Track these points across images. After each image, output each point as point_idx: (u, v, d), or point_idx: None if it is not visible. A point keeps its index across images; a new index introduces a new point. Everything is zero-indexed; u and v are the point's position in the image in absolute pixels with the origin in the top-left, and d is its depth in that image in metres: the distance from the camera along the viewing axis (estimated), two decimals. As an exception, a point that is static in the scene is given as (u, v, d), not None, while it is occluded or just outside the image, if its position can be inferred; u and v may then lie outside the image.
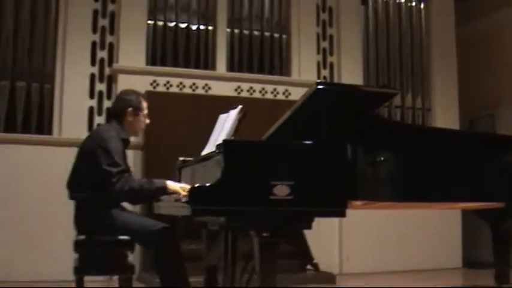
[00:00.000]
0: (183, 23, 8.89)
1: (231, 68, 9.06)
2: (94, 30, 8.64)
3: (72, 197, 5.00)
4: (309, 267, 8.16)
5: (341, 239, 9.13)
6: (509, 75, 10.02)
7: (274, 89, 9.06)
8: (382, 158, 4.49)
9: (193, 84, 8.73)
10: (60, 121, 8.29)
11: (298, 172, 4.05)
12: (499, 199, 4.97)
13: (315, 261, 8.12)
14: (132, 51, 8.58)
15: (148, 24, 8.78)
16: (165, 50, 8.82)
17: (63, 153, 7.61)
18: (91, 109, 8.47)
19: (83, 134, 7.93)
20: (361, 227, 8.85)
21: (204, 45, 8.96)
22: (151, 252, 5.10)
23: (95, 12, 8.66)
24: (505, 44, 10.13)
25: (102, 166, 4.69)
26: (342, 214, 4.20)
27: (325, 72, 9.58)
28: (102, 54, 8.65)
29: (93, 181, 4.80)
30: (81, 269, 4.70)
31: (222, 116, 5.22)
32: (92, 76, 8.55)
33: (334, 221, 8.87)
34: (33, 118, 8.21)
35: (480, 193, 5.03)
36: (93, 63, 8.58)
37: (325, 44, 9.68)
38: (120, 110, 5.11)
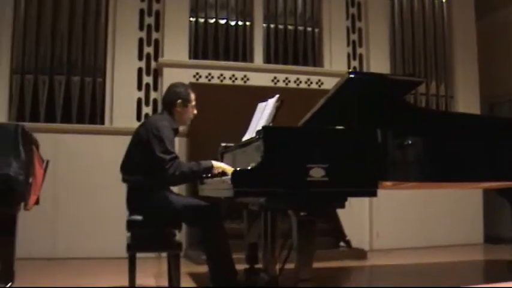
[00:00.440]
0: (222, 19, 8.88)
1: (267, 60, 9.04)
2: (141, 28, 8.66)
3: (124, 179, 5.05)
4: (342, 244, 8.15)
5: (371, 217, 9.09)
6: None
7: (308, 79, 9.03)
8: (409, 142, 4.48)
9: (233, 75, 8.73)
10: (111, 112, 8.34)
11: (333, 155, 4.05)
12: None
13: (347, 238, 8.10)
14: (176, 46, 8.60)
15: (191, 21, 8.77)
16: (206, 44, 8.82)
17: (114, 141, 7.69)
18: (139, 100, 8.51)
19: (132, 123, 8.05)
20: (390, 206, 8.81)
21: (242, 40, 8.95)
22: (197, 231, 5.13)
23: (141, 11, 8.69)
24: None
25: (156, 153, 4.74)
26: (373, 194, 4.20)
27: (354, 63, 9.52)
28: (148, 49, 8.67)
29: (145, 166, 4.85)
30: (133, 247, 4.74)
31: (261, 104, 5.22)
32: (140, 70, 8.58)
33: (365, 200, 8.84)
34: (87, 109, 8.28)
35: (500, 173, 5.01)
36: (140, 58, 8.61)
37: (354, 37, 9.61)
38: (170, 101, 5.15)
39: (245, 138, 5.13)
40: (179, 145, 7.78)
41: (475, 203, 9.54)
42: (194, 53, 8.77)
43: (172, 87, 5.29)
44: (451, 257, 7.89)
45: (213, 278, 4.79)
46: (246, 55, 8.97)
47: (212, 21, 8.84)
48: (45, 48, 8.21)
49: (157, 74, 8.59)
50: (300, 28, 9.19)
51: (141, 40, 8.65)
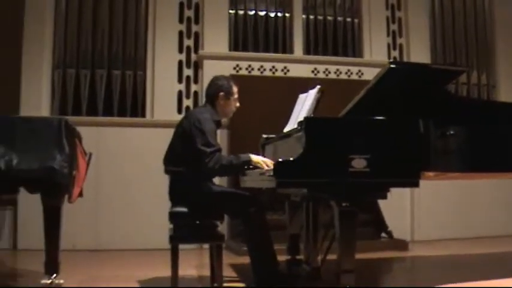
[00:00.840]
0: (261, 11, 8.87)
1: (307, 51, 9.00)
2: (181, 21, 8.69)
3: (167, 171, 5.09)
4: (383, 234, 8.10)
5: (412, 208, 9.02)
6: None
7: (348, 70, 8.97)
8: (451, 132, 4.43)
9: (273, 67, 8.71)
10: (152, 104, 8.39)
11: (375, 146, 4.04)
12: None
13: (389, 229, 8.05)
14: (215, 38, 8.60)
15: (230, 13, 8.77)
16: (246, 36, 8.82)
17: (155, 134, 7.76)
18: (180, 93, 8.55)
19: (172, 115, 8.10)
20: (431, 197, 8.72)
21: (282, 31, 8.93)
22: (239, 222, 5.15)
23: (181, 4, 8.71)
24: None
25: (197, 145, 4.78)
26: (415, 184, 4.19)
27: (394, 53, 9.43)
28: (188, 42, 8.70)
29: (187, 158, 4.89)
30: (176, 238, 4.76)
31: (302, 96, 5.22)
32: (180, 62, 8.61)
33: (406, 191, 8.79)
34: (128, 102, 8.34)
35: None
36: (180, 50, 8.64)
37: (394, 27, 9.52)
38: (213, 94, 5.18)
39: (286, 129, 5.13)
40: (220, 137, 7.79)
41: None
42: (234, 45, 8.77)
43: (215, 80, 5.30)
44: (494, 248, 7.80)
45: (255, 269, 4.81)
46: (285, 46, 8.94)
47: (252, 13, 8.83)
48: (86, 43, 8.29)
49: (197, 67, 8.62)
50: (340, 19, 9.14)
51: (181, 33, 8.67)
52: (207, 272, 5.45)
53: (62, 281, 4.41)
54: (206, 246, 6.37)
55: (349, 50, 9.15)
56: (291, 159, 3.93)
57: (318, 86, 4.92)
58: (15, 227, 7.74)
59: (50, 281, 4.34)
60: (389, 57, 9.25)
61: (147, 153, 7.72)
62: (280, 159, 4.00)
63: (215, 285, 4.90)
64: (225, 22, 8.70)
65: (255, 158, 4.83)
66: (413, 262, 7.31)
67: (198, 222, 4.83)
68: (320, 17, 9.08)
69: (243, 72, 8.56)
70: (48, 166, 4.15)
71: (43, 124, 4.35)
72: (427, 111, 4.38)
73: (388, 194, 4.16)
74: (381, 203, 7.62)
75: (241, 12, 8.80)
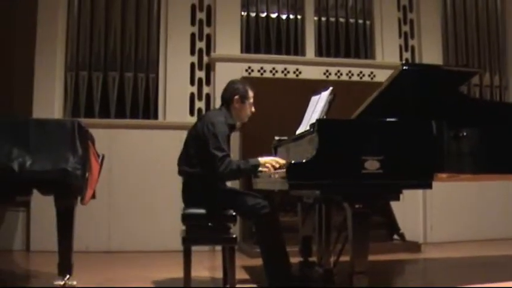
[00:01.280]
0: (273, 13, 8.86)
1: (319, 53, 8.98)
2: (192, 23, 8.69)
3: (180, 172, 5.10)
4: (395, 236, 8.08)
5: (425, 210, 8.98)
6: None
7: (360, 72, 8.94)
8: (464, 133, 4.41)
9: (285, 69, 8.71)
10: (165, 106, 8.39)
11: (388, 147, 4.04)
12: None
13: (401, 231, 8.02)
14: (227, 40, 8.61)
15: (242, 15, 8.77)
16: (258, 38, 8.81)
17: (167, 136, 7.79)
18: (192, 95, 8.54)
19: (185, 118, 8.12)
20: (443, 199, 8.70)
21: (294, 33, 8.91)
22: (251, 224, 5.15)
23: (193, 6, 8.71)
24: None
25: (209, 148, 4.80)
26: (428, 186, 4.18)
27: (406, 55, 9.40)
28: (200, 44, 8.70)
29: (200, 159, 4.90)
30: (188, 240, 4.76)
31: (314, 98, 5.21)
32: (192, 65, 8.61)
33: (418, 193, 8.77)
34: (140, 105, 8.35)
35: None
36: (192, 53, 8.64)
37: (406, 28, 9.49)
38: (228, 97, 5.20)
39: (299, 131, 5.13)
40: (233, 139, 7.75)
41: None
42: (246, 47, 8.76)
43: (231, 83, 5.32)
44: (507, 251, 7.75)
45: (268, 271, 4.81)
46: (297, 48, 8.93)
47: (263, 15, 8.82)
48: (99, 45, 8.31)
49: (209, 69, 8.62)
50: (351, 20, 9.11)
51: (193, 35, 8.68)
52: (219, 274, 5.45)
53: (74, 283, 4.42)
54: (219, 248, 6.37)
55: (361, 52, 9.13)
56: (304, 161, 3.93)
57: (330, 88, 4.91)
58: (28, 228, 7.76)
59: (63, 282, 4.36)
60: (401, 59, 9.22)
61: (159, 155, 7.74)
62: (292, 161, 4.00)
63: (228, 287, 4.90)
64: (237, 24, 8.70)
65: (263, 160, 4.84)
66: (426, 264, 7.28)
67: (210, 224, 4.83)
68: (332, 19, 9.05)
69: (255, 74, 8.55)
70: (61, 168, 4.16)
71: (56, 126, 4.37)
72: (440, 113, 4.37)
73: (401, 196, 4.15)
74: (393, 204, 7.62)
75: (253, 14, 8.80)
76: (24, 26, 8.22)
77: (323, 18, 9.01)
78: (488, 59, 9.75)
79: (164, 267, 6.52)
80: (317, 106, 4.97)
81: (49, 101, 8.03)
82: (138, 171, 8.01)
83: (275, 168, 4.71)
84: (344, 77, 8.88)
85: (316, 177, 3.91)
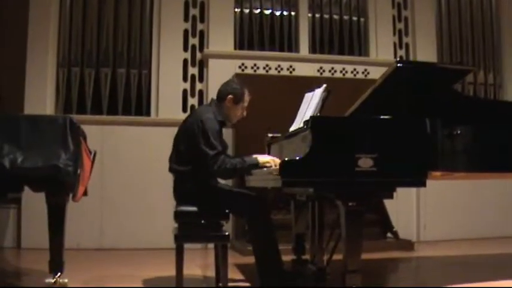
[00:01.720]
0: (267, 9, 8.85)
1: (313, 50, 8.99)
2: (186, 19, 8.68)
3: (171, 169, 5.08)
4: (389, 235, 8.09)
5: (418, 208, 8.99)
6: None
7: (354, 69, 8.95)
8: (458, 131, 4.42)
9: (279, 66, 8.70)
10: (157, 103, 8.39)
11: (381, 145, 4.04)
12: None
13: (394, 229, 8.03)
14: (221, 37, 8.60)
15: (235, 12, 8.76)
16: (251, 35, 8.80)
17: (160, 132, 7.77)
18: (185, 91, 8.54)
19: (177, 114, 8.11)
20: (437, 197, 8.70)
21: (288, 30, 8.91)
22: (244, 222, 5.15)
23: (186, 2, 8.70)
24: None
25: (200, 145, 4.77)
26: (422, 184, 4.18)
27: (401, 52, 9.41)
28: (193, 41, 8.69)
29: (190, 157, 4.89)
30: (181, 238, 4.75)
31: (308, 95, 5.21)
32: (185, 61, 8.61)
33: (412, 191, 8.78)
34: (133, 101, 8.34)
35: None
36: (185, 49, 8.63)
37: (400, 26, 9.50)
38: (223, 94, 5.15)
39: (292, 128, 5.13)
40: (225, 136, 7.74)
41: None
42: (239, 44, 8.76)
43: (231, 82, 5.32)
44: (501, 249, 7.77)
45: (260, 270, 4.81)
46: (291, 45, 8.93)
47: (257, 11, 8.82)
48: (91, 41, 8.30)
49: (202, 65, 8.62)
50: (346, 17, 9.12)
51: (186, 31, 8.67)
52: (212, 272, 5.45)
53: (66, 280, 4.41)
54: (211, 246, 6.36)
55: (355, 49, 9.13)
56: (297, 158, 3.93)
57: (324, 85, 4.91)
58: (19, 225, 7.74)
59: (54, 280, 4.34)
60: (395, 56, 9.23)
61: (152, 152, 7.73)
62: (286, 159, 3.99)
63: (220, 285, 4.91)
64: (231, 21, 8.69)
65: (261, 159, 4.83)
66: (419, 263, 7.29)
67: (203, 221, 4.82)
68: (326, 16, 9.05)
69: (248, 71, 8.55)
70: (52, 164, 4.15)
71: (48, 122, 4.36)
72: (434, 111, 4.37)
73: (394, 194, 4.16)
74: (387, 202, 7.63)
75: (246, 10, 8.79)
76: (16, 22, 8.19)
77: (317, 15, 9.02)
78: (483, 57, 9.77)
79: (156, 265, 6.52)
80: (311, 103, 4.97)
81: (41, 97, 8.01)
82: (131, 168, 8.01)
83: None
84: (338, 74, 8.89)
85: (310, 174, 3.91)
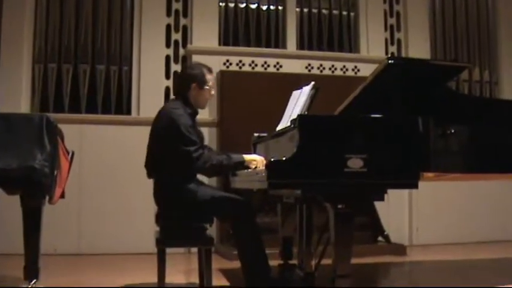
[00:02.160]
0: (253, 4, 8.84)
1: (301, 46, 9.00)
2: (168, 14, 8.67)
3: (150, 176, 5.06)
4: (380, 238, 8.11)
5: (411, 211, 9.02)
6: None
7: (344, 66, 8.97)
8: (452, 130, 4.44)
9: (265, 62, 8.71)
10: (138, 101, 8.37)
11: (372, 145, 4.05)
12: None
13: (386, 233, 8.05)
14: (205, 32, 8.59)
15: (220, 6, 8.75)
16: (236, 30, 8.80)
17: (141, 132, 7.65)
18: (167, 89, 8.52)
19: (160, 113, 8.05)
20: (430, 199, 8.73)
21: (275, 25, 8.92)
22: (228, 225, 5.14)
23: (169, -4, 8.71)
24: None
25: (180, 147, 4.72)
26: (414, 186, 4.19)
27: (392, 49, 9.44)
28: (176, 36, 8.68)
29: (168, 161, 4.85)
30: (162, 242, 4.73)
31: (295, 92, 5.21)
32: (167, 57, 8.59)
33: (404, 193, 8.80)
34: (113, 99, 8.31)
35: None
36: (168, 45, 8.62)
37: (392, 21, 9.52)
38: (185, 84, 5.12)
39: (279, 127, 5.13)
40: (209, 135, 7.81)
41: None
42: (224, 40, 8.76)
43: (187, 69, 5.32)
44: (497, 254, 7.81)
45: (246, 275, 4.80)
46: (278, 41, 8.94)
47: (243, 5, 8.81)
48: (69, 36, 8.25)
49: (185, 62, 8.58)
50: (335, 12, 9.13)
51: (168, 26, 8.65)
52: (195, 278, 5.44)
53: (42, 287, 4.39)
54: (194, 250, 6.37)
55: (344, 45, 9.15)
56: (284, 158, 3.93)
57: (312, 83, 4.91)
58: (-8, 229, 7.71)
59: (29, 287, 4.33)
60: (387, 53, 9.25)
61: (133, 153, 7.66)
62: (272, 159, 4.00)
63: (204, 291, 4.90)
64: (215, 15, 8.68)
65: (249, 157, 4.84)
66: (411, 267, 7.32)
67: (185, 224, 4.81)
68: (314, 10, 9.07)
69: (234, 67, 8.54)
70: (28, 165, 4.14)
71: (23, 121, 4.35)
72: (427, 109, 4.38)
73: (385, 196, 4.16)
74: (378, 205, 7.63)
75: (231, 5, 8.78)
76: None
77: (305, 10, 9.03)
78: (478, 53, 9.81)
79: (137, 270, 6.51)
80: (298, 101, 4.97)
81: (15, 95, 7.96)
82: (110, 169, 7.98)
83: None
84: (327, 71, 8.91)
85: (297, 175, 3.91)
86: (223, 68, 8.40)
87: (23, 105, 8.01)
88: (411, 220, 9.02)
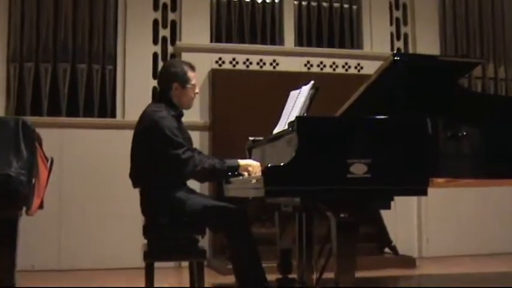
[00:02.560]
0: (247, -4, 8.89)
1: (299, 42, 9.01)
2: (155, 8, 8.68)
3: (135, 186, 5.05)
4: (387, 250, 8.12)
5: (420, 220, 9.04)
6: None
7: (346, 63, 8.99)
8: (464, 132, 4.42)
9: (261, 60, 8.72)
10: (123, 103, 8.38)
11: (376, 149, 4.03)
12: None
13: (393, 244, 8.06)
14: (195, 28, 8.60)
15: (211, -1, 8.79)
16: (229, 25, 8.81)
17: (127, 136, 7.66)
18: (155, 90, 8.49)
19: (147, 116, 8.05)
20: (441, 208, 8.76)
21: (271, 19, 8.93)
22: (222, 237, 5.13)
23: (156, -11, 8.72)
24: None
25: (167, 152, 4.72)
26: (423, 192, 4.17)
27: (399, 44, 9.46)
28: (164, 32, 8.69)
29: (153, 168, 4.85)
30: (151, 255, 4.73)
31: (293, 93, 5.21)
32: (155, 55, 8.60)
33: (413, 201, 8.81)
34: (96, 101, 8.31)
35: None
36: (155, 42, 8.64)
37: (398, 14, 9.55)
38: (167, 84, 5.13)
39: (276, 130, 5.12)
40: (200, 139, 7.82)
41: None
42: (216, 36, 8.78)
43: (166, 68, 5.32)
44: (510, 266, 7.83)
45: (241, 290, 4.80)
46: (274, 37, 8.96)
47: (236, -2, 8.84)
48: (47, 33, 8.25)
49: (174, 60, 8.61)
50: (336, 5, 9.15)
51: (155, 22, 8.67)
52: (186, 294, 5.45)
53: (18, 306, 4.38)
54: (185, 264, 6.35)
55: (346, 41, 9.17)
56: (282, 164, 3.93)
57: (312, 82, 4.92)
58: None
59: (4, 306, 4.32)
60: (392, 49, 9.29)
61: (118, 159, 7.62)
62: (269, 165, 3.99)
63: (195, 308, 4.90)
64: (206, 9, 8.70)
65: (244, 162, 4.86)
66: (421, 281, 7.33)
67: (175, 236, 4.81)
68: (314, 4, 9.09)
69: (227, 66, 8.56)
70: (2, 173, 4.12)
71: (-3, 125, 4.33)
72: (436, 110, 4.37)
73: (392, 204, 4.16)
74: (384, 214, 7.64)
75: (224, -3, 8.80)
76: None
77: (304, 3, 9.05)
78: (493, 48, 9.83)
79: (124, 286, 6.50)
80: (297, 102, 4.97)
81: (-12, 97, 7.99)
82: (93, 177, 7.98)
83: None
84: (327, 69, 8.94)
85: (296, 182, 3.90)
86: (216, 66, 8.41)
87: (-3, 108, 8.03)
88: (420, 230, 9.04)
